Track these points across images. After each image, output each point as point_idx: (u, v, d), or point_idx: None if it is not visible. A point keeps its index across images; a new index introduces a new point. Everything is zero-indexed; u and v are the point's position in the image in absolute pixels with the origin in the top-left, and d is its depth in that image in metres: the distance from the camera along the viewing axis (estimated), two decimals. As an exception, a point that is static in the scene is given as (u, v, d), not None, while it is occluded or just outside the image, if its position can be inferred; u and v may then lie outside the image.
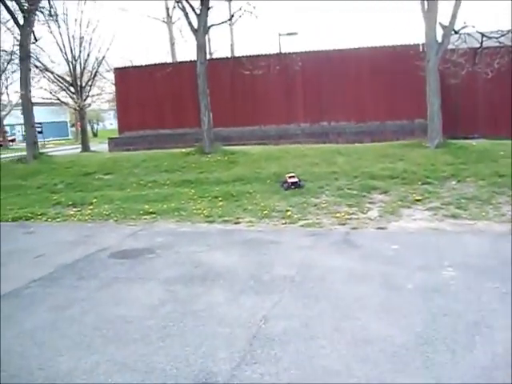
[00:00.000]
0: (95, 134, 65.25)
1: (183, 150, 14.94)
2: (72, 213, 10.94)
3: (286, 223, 9.17)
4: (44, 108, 58.37)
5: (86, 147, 31.95)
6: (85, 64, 32.07)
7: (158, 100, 23.06)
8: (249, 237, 8.36)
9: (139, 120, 23.40)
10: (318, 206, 9.95)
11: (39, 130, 58.78)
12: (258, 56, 21.52)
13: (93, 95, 46.33)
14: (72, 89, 32.04)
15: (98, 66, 32.49)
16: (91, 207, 11.22)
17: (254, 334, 4.70)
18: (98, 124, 73.97)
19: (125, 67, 26.65)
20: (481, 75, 16.29)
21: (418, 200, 9.78)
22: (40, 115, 60.60)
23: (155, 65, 23.57)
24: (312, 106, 20.89)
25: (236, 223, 9.38)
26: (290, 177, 11.12)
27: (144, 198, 11.40)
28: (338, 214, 9.32)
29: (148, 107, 23.18)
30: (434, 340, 4.42)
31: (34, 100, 39.42)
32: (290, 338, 4.57)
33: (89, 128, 62.74)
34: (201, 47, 15.07)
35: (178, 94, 22.40)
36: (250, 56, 21.56)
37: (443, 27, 13.24)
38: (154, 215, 10.23)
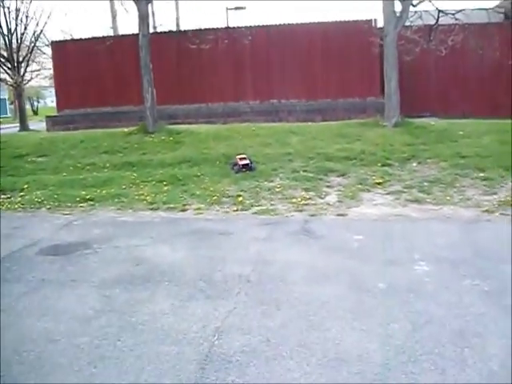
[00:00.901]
0: (35, 112, 62.52)
1: (125, 130, 13.89)
2: (0, 200, 9.82)
3: (237, 210, 8.39)
4: (-22, 86, 55.40)
5: (24, 126, 30.34)
6: (22, 38, 30.22)
7: (99, 76, 21.60)
8: (197, 226, 7.55)
9: (79, 97, 21.90)
10: (271, 190, 9.21)
11: (-26, 107, 55.43)
12: (206, 30, 20.43)
13: (32, 71, 44.09)
14: (8, 64, 30.26)
15: (36, 40, 30.58)
16: (22, 193, 10.12)
17: (207, 353, 3.92)
18: (38, 101, 71.03)
19: (63, 40, 25.00)
20: (434, 53, 15.80)
21: (378, 183, 9.18)
22: (-30, 93, 57.23)
23: (96, 38, 22.08)
24: (261, 83, 20.00)
25: (183, 210, 8.54)
26: (240, 158, 10.32)
27: (81, 182, 10.38)
28: (294, 200, 8.61)
29: (89, 83, 21.69)
30: (419, 356, 3.76)
31: (-34, 76, 37.26)
32: (249, 359, 3.82)
33: (28, 106, 60.18)
34: (143, 18, 13.97)
35: (121, 69, 21.06)
36: (197, 30, 20.47)
37: (401, 1, 12.60)
38: (92, 202, 9.26)
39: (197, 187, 9.57)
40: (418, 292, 4.86)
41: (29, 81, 40.07)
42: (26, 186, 10.42)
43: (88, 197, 9.44)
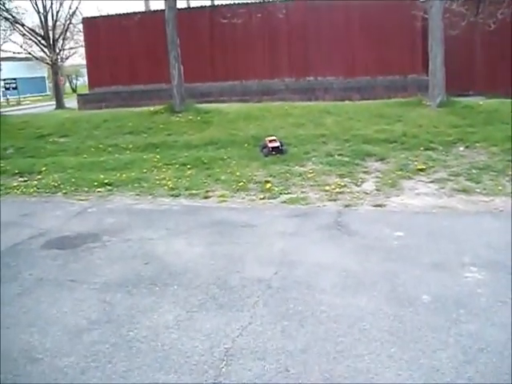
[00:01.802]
0: (74, 90, 62.67)
1: (151, 109, 13.23)
2: (16, 184, 9.30)
3: (264, 198, 7.65)
4: (19, 63, 55.59)
5: (60, 104, 30.33)
6: (57, 16, 29.96)
7: (131, 53, 21.06)
8: (219, 217, 6.84)
9: (111, 75, 21.49)
10: (303, 176, 8.41)
11: (13, 85, 56.12)
12: (239, 4, 19.57)
13: (70, 49, 43.97)
14: (44, 42, 30.07)
15: (71, 18, 30.21)
16: (39, 177, 9.59)
17: (210, 385, 3.22)
18: (77, 79, 71.22)
19: (94, 17, 24.39)
20: (482, 27, 14.61)
21: (421, 169, 8.28)
22: (14, 70, 57.92)
23: (127, 14, 21.45)
24: (297, 60, 19.09)
25: (205, 198, 7.84)
26: (270, 140, 9.54)
27: (101, 165, 9.78)
28: (327, 187, 7.81)
29: (120, 61, 21.20)
30: (474, 400, 2.97)
31: (5, 55, 37.31)
32: (263, 397, 3.09)
33: (67, 84, 60.34)
34: (169, -11, 13.18)
35: (153, 46, 20.42)
36: (229, 4, 19.67)
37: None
38: (110, 187, 8.65)
39: (222, 171, 8.85)
40: (469, 308, 4.05)
41: (66, 59, 40.02)
42: (43, 169, 9.89)
43: (106, 181, 8.83)
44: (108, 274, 5.13)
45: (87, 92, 23.16)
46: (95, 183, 8.80)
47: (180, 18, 15.77)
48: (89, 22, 22.93)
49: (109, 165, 9.75)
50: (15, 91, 57.79)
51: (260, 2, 20.39)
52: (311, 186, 7.99)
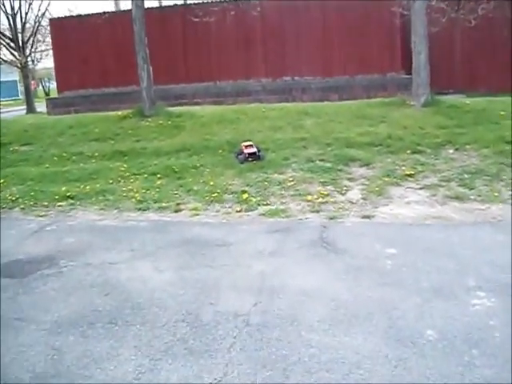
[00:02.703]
0: (47, 94, 61.38)
1: (119, 113, 12.45)
2: (-31, 199, 8.49)
3: (241, 210, 6.99)
4: (-11, 67, 54.22)
5: (31, 108, 29.47)
6: (26, 17, 29.05)
7: (100, 54, 20.17)
8: (191, 234, 6.16)
9: (80, 77, 20.55)
10: (282, 184, 7.76)
11: (-17, 89, 54.41)
12: (212, 2, 18.87)
13: (41, 51, 42.91)
14: (13, 45, 29.16)
15: (41, 19, 29.26)
16: (-4, 190, 8.79)
17: None
18: (50, 83, 69.82)
19: (62, 17, 23.48)
20: (462, 23, 14.13)
21: (409, 175, 7.69)
22: (-16, 74, 56.36)
23: (96, 14, 20.59)
24: (273, 59, 18.40)
25: (176, 211, 7.16)
26: (246, 146, 8.87)
27: (64, 175, 9.02)
28: (309, 197, 7.17)
29: (90, 63, 20.28)
30: None
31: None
32: None
33: (40, 87, 58.99)
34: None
35: (123, 47, 19.53)
36: (202, 3, 18.96)
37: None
38: (72, 201, 7.91)
39: (195, 181, 8.17)
40: (483, 347, 3.44)
41: (38, 62, 38.98)
42: (1, 181, 9.08)
43: (69, 194, 8.09)
44: (61, 309, 4.42)
45: (56, 96, 22.27)
46: (56, 196, 8.06)
47: (151, 17, 15.07)
48: (56, 23, 21.98)
49: (72, 175, 8.99)
50: (-15, 96, 56.43)
51: (234, 0, 19.73)
52: (292, 195, 7.34)
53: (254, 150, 8.77)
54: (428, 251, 5.14)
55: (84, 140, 10.89)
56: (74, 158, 9.97)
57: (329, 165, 8.34)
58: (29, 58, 35.97)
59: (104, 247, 5.92)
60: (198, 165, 8.81)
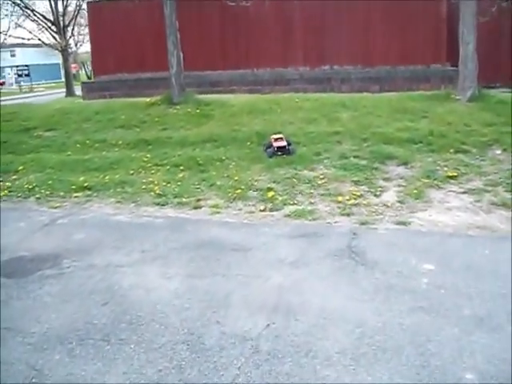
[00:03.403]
0: (89, 77, 61.88)
1: (147, 100, 12.01)
2: (-14, 186, 8.18)
3: (265, 209, 6.45)
4: (32, 50, 54.85)
5: (70, 91, 29.81)
6: (67, 1, 29.20)
7: (137, 39, 19.78)
8: (208, 235, 5.64)
9: (116, 62, 20.24)
10: (312, 182, 7.18)
11: (26, 72, 55.48)
12: (250, -13, 18.24)
13: (82, 35, 43.19)
14: (54, 28, 29.39)
15: (82, 3, 29.31)
16: (15, 177, 8.46)
17: None
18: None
19: (99, 0, 23.23)
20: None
21: (451, 177, 7.01)
22: (28, 57, 57.12)
23: (134, -3, 20.24)
24: (313, 47, 17.69)
25: (196, 208, 6.66)
26: (276, 139, 8.30)
27: (84, 164, 8.63)
28: (340, 197, 6.57)
29: (126, 47, 19.93)
30: None
31: (18, 41, 36.61)
32: None
33: (83, 71, 59.55)
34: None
35: (160, 31, 19.19)
36: (241, -14, 18.33)
37: None
38: (89, 192, 7.51)
39: (219, 175, 7.65)
40: (538, 400, 2.82)
41: (80, 45, 39.20)
42: (21, 168, 8.75)
43: (86, 184, 7.69)
44: (53, 320, 3.97)
45: (92, 80, 22.08)
46: (73, 186, 7.65)
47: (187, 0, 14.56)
48: (93, 7, 21.65)
49: (93, 164, 8.59)
50: (28, 78, 57.11)
51: (273, -15, 19.08)
52: (321, 195, 6.76)
53: (283, 143, 8.19)
54: (470, 269, 4.50)
55: (109, 127, 10.49)
56: (96, 145, 9.57)
57: (364, 162, 7.72)
58: (70, 42, 36.25)
59: (113, 246, 5.46)
60: (224, 157, 8.29)
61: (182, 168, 8.05)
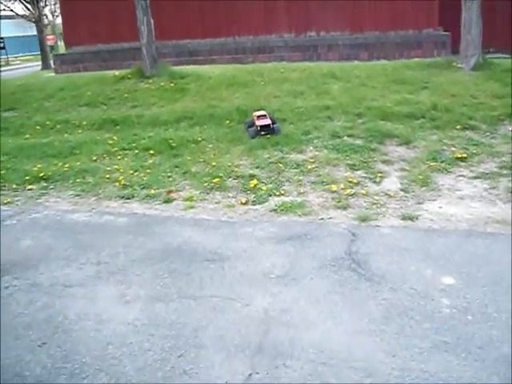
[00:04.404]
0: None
1: (116, 73, 10.90)
2: None
3: (247, 202, 5.52)
4: (9, 21, 52.84)
5: (46, 64, 28.76)
6: (39, -32, 27.91)
7: (111, 6, 18.54)
8: (178, 239, 4.71)
9: (89, 31, 19.03)
10: (301, 167, 6.25)
11: (1, 45, 53.80)
12: None
13: (55, 4, 41.45)
14: (27, -2, 28.32)
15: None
16: (-37, 166, 7.42)
17: None
18: (68, 37, 68.18)
19: (68, -37, 21.78)
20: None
21: (460, 158, 6.11)
22: (3, 29, 55.20)
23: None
24: (298, 12, 16.62)
25: (167, 201, 5.72)
26: (259, 116, 7.32)
27: (43, 149, 7.62)
28: (333, 186, 5.66)
29: (99, 15, 18.69)
30: None
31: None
32: None
33: (61, 42, 57.58)
34: None
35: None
36: None
37: None
38: (46, 184, 6.54)
39: (194, 160, 6.69)
40: None
41: (56, 16, 37.80)
42: (-29, 155, 7.71)
43: (42, 174, 6.68)
44: (-30, 371, 3.04)
45: (64, 52, 20.85)
46: (28, 177, 6.65)
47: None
48: (63, -30, 20.37)
49: (52, 149, 7.59)
50: (3, 51, 55.13)
51: None
52: (312, 183, 5.84)
53: (267, 121, 7.22)
54: (500, 283, 3.62)
55: (73, 105, 9.43)
56: (58, 126, 8.54)
57: (359, 142, 6.79)
58: (45, 12, 34.80)
59: (64, 257, 4.53)
60: (200, 138, 7.31)
61: (152, 152, 7.07)
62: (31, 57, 53.46)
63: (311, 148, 6.77)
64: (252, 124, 7.30)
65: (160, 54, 14.75)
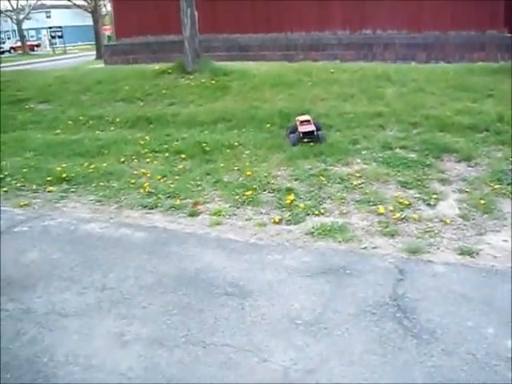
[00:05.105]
0: (124, 39, 60.54)
1: (156, 67, 10.38)
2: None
3: (281, 221, 4.87)
4: (66, 11, 53.84)
5: (100, 54, 28.95)
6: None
7: (161, -3, 18.25)
8: (197, 264, 4.11)
9: (139, 23, 18.80)
10: (345, 182, 5.56)
11: (59, 34, 54.56)
12: None
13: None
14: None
15: (111, -38, 28.07)
16: (-13, 162, 7.04)
17: None
18: (125, 27, 69.01)
19: (121, -45, 21.59)
20: None
21: (531, 181, 5.28)
22: (63, 18, 56.07)
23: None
24: (353, 8, 15.83)
25: (192, 215, 5.13)
26: (302, 122, 6.65)
27: (71, 147, 7.18)
28: (381, 207, 4.94)
29: (150, 7, 18.38)
30: None
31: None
32: None
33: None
34: None
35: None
36: None
37: None
38: (67, 186, 6.07)
39: (227, 168, 6.09)
40: None
41: (105, 6, 38.27)
42: (-1, 149, 7.33)
43: (65, 175, 6.20)
44: None
45: (114, 43, 20.77)
46: (49, 178, 6.19)
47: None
48: (115, -38, 20.16)
49: (80, 147, 7.13)
50: (60, 39, 56.13)
51: None
52: (357, 202, 5.14)
53: (311, 127, 6.54)
54: None
55: (109, 99, 8.97)
56: (90, 122, 8.08)
57: (413, 156, 6.03)
58: (101, 2, 35.28)
59: (67, 277, 4.01)
60: (237, 143, 6.70)
61: (183, 156, 6.51)
62: (89, 46, 54.21)
63: (358, 160, 6.05)
64: (294, 130, 6.64)
65: (210, 48, 14.31)
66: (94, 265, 4.17)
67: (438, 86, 8.08)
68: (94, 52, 34.08)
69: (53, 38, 57.87)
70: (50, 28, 58.59)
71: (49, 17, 58.90)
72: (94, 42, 55.55)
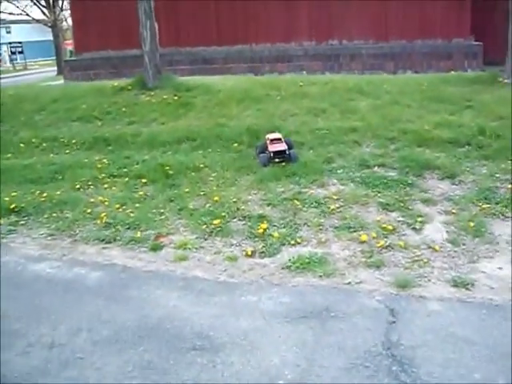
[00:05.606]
0: (86, 54, 59.57)
1: (115, 84, 9.84)
2: None
3: (254, 254, 4.39)
4: (28, 26, 52.76)
5: (61, 69, 28.27)
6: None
7: (123, 12, 17.63)
8: (160, 311, 3.59)
9: (100, 36, 18.19)
10: (322, 206, 5.11)
11: (19, 49, 53.44)
12: None
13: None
14: (43, 3, 28.12)
15: (68, -27, 27.64)
16: None
17: None
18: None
19: (80, -33, 21.00)
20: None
21: (520, 200, 4.91)
22: (23, 34, 54.88)
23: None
24: (319, 19, 15.57)
25: (154, 248, 4.62)
26: (272, 140, 6.19)
27: (22, 173, 6.59)
28: (363, 234, 4.49)
29: (111, 19, 17.81)
30: None
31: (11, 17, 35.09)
32: None
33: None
34: None
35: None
36: None
37: None
38: (16, 219, 5.46)
39: (193, 193, 5.58)
40: None
41: (65, 20, 37.73)
42: None
43: (14, 205, 5.61)
44: None
45: (74, 58, 20.17)
46: (-2, 208, 5.60)
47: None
48: (74, -26, 19.56)
49: (33, 173, 6.55)
50: (21, 55, 54.96)
51: None
52: (336, 228, 4.70)
53: (282, 146, 6.09)
54: None
55: (65, 119, 8.38)
56: (44, 144, 7.50)
57: (392, 174, 5.63)
58: (62, 17, 34.64)
59: (11, 331, 3.48)
60: (202, 165, 6.20)
61: (144, 181, 5.98)
62: (50, 62, 53.11)
63: (335, 181, 5.62)
64: (264, 149, 6.18)
65: (172, 62, 13.85)
66: (42, 315, 3.63)
67: (413, 97, 7.73)
68: (55, 68, 33.36)
69: (13, 53, 56.66)
70: (10, 43, 57.35)
71: (9, 32, 57.64)
72: (54, 58, 54.62)
